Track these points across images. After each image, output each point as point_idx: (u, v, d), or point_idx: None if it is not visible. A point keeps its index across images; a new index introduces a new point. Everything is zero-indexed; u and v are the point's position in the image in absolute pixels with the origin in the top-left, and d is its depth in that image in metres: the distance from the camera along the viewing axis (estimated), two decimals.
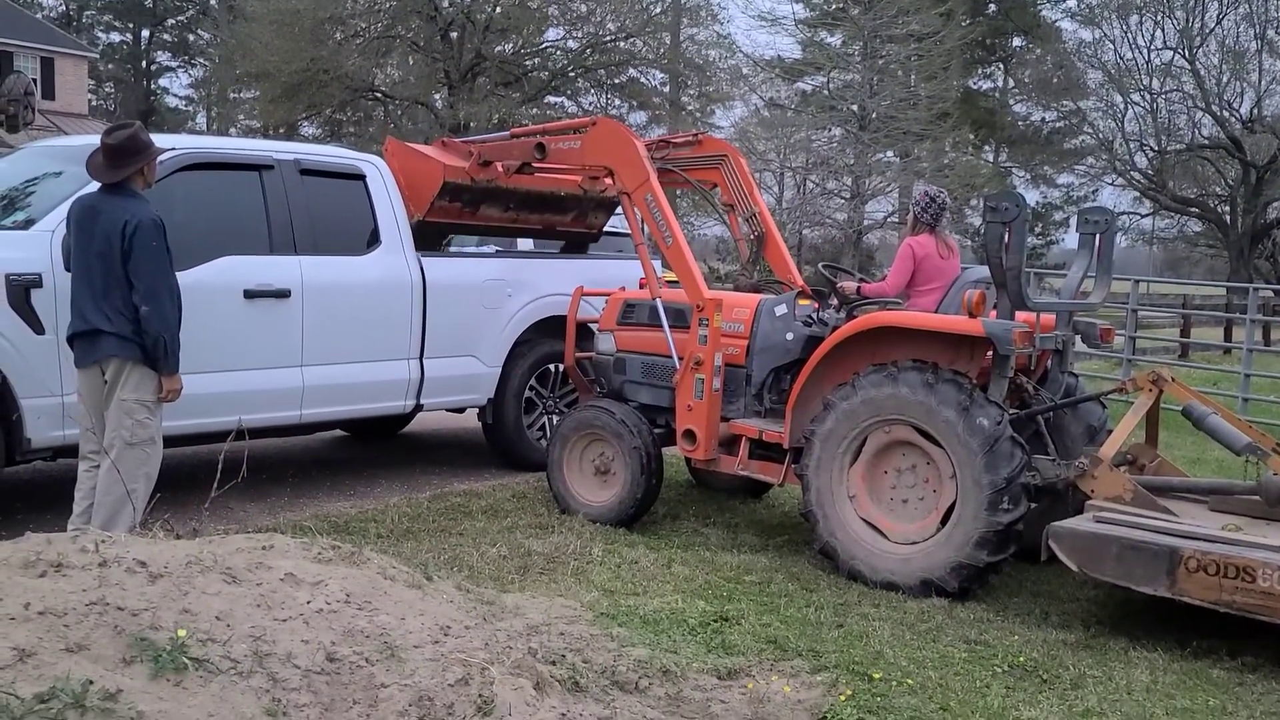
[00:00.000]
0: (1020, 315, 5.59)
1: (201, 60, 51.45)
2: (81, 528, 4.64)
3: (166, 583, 3.07)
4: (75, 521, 4.97)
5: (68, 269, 5.13)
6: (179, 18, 53.47)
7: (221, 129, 45.33)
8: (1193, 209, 40.75)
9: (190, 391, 5.22)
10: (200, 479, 4.66)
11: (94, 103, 44.14)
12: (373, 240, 7.01)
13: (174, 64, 54.73)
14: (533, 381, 7.92)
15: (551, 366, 7.98)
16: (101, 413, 4.99)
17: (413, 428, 8.98)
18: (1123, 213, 38.98)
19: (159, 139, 5.36)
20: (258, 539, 3.63)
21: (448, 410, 7.95)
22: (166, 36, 53.97)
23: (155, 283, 4.84)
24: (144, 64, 53.75)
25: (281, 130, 35.47)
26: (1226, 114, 36.89)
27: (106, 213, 4.86)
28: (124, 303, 4.84)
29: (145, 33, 53.30)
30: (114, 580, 3.02)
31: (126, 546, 3.28)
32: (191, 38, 52.69)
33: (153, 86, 54.37)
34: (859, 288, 6.29)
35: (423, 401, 7.29)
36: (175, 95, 55.81)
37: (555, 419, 7.91)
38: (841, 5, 31.86)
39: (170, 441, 5.41)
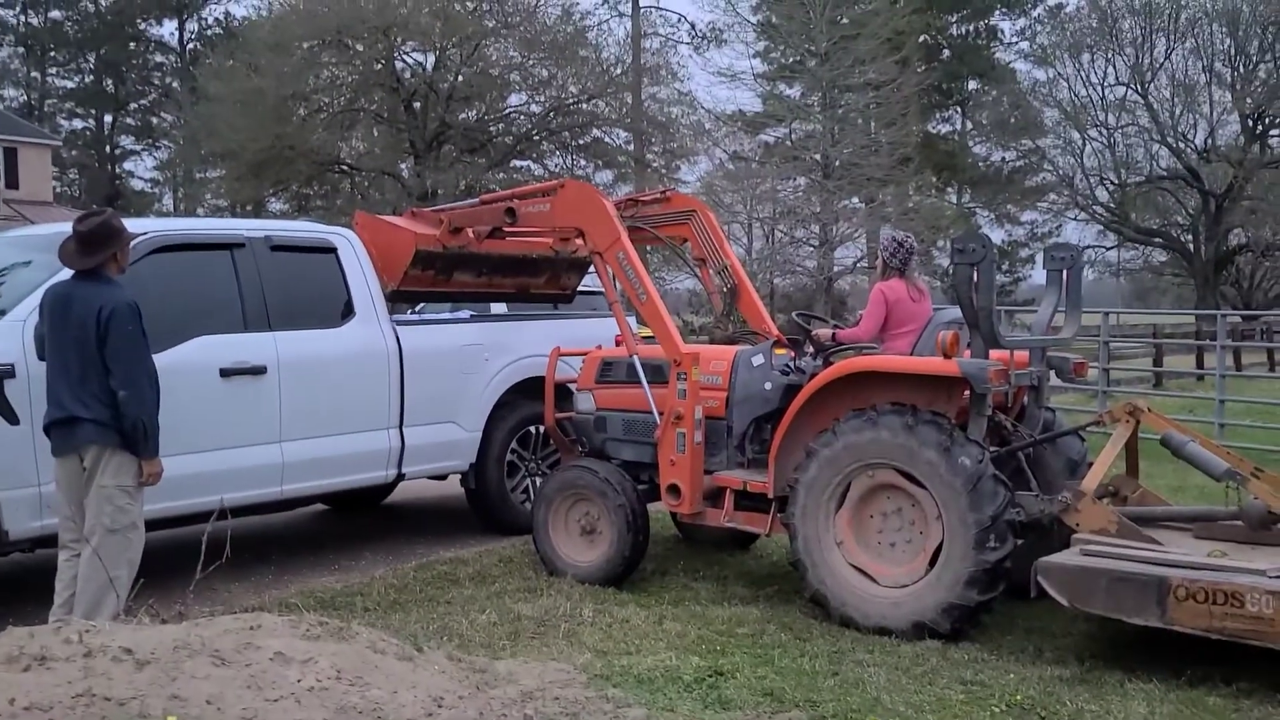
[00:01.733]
0: (994, 353, 5.64)
1: (166, 142, 51.63)
2: (64, 618, 4.60)
3: (154, 669, 3.03)
4: (57, 612, 4.89)
5: (41, 358, 5.10)
6: (141, 102, 53.70)
7: (189, 209, 45.37)
8: (1156, 239, 41.35)
9: (170, 473, 5.18)
10: (183, 561, 4.61)
11: (58, 189, 44.15)
12: (347, 312, 7.01)
13: (138, 147, 54.88)
14: (514, 444, 7.90)
15: (532, 428, 7.97)
16: (80, 501, 4.93)
17: (395, 497, 8.93)
18: (1088, 246, 39.56)
19: (129, 223, 5.36)
20: (245, 619, 3.60)
21: (430, 478, 7.91)
22: (130, 121, 54.15)
23: (133, 367, 4.83)
24: (108, 149, 53.84)
25: (249, 208, 35.55)
26: (1182, 145, 37.63)
27: (81, 300, 4.85)
28: (101, 389, 4.82)
29: (108, 118, 53.46)
30: (100, 670, 2.98)
31: (111, 635, 3.24)
32: (155, 120, 52.88)
33: (117, 170, 54.43)
34: (834, 334, 6.33)
35: (404, 470, 7.25)
36: (140, 178, 55.94)
37: (538, 481, 7.90)
38: (799, 58, 32.38)
39: (152, 525, 5.36)
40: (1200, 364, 19.99)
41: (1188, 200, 39.77)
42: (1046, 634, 5.54)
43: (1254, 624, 4.50)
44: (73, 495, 4.96)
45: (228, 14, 51.69)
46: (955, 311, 5.93)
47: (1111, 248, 43.50)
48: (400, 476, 7.30)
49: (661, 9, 47.37)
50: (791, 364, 6.51)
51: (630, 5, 39.70)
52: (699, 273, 7.76)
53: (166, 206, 52.33)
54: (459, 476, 7.82)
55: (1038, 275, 42.81)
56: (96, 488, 4.88)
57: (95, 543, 4.83)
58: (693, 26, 43.98)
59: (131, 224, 5.43)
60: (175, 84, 49.78)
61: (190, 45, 52.30)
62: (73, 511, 4.97)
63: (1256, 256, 38.67)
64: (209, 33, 51.64)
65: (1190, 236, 39.85)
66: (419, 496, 9.36)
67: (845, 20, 30.22)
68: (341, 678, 3.23)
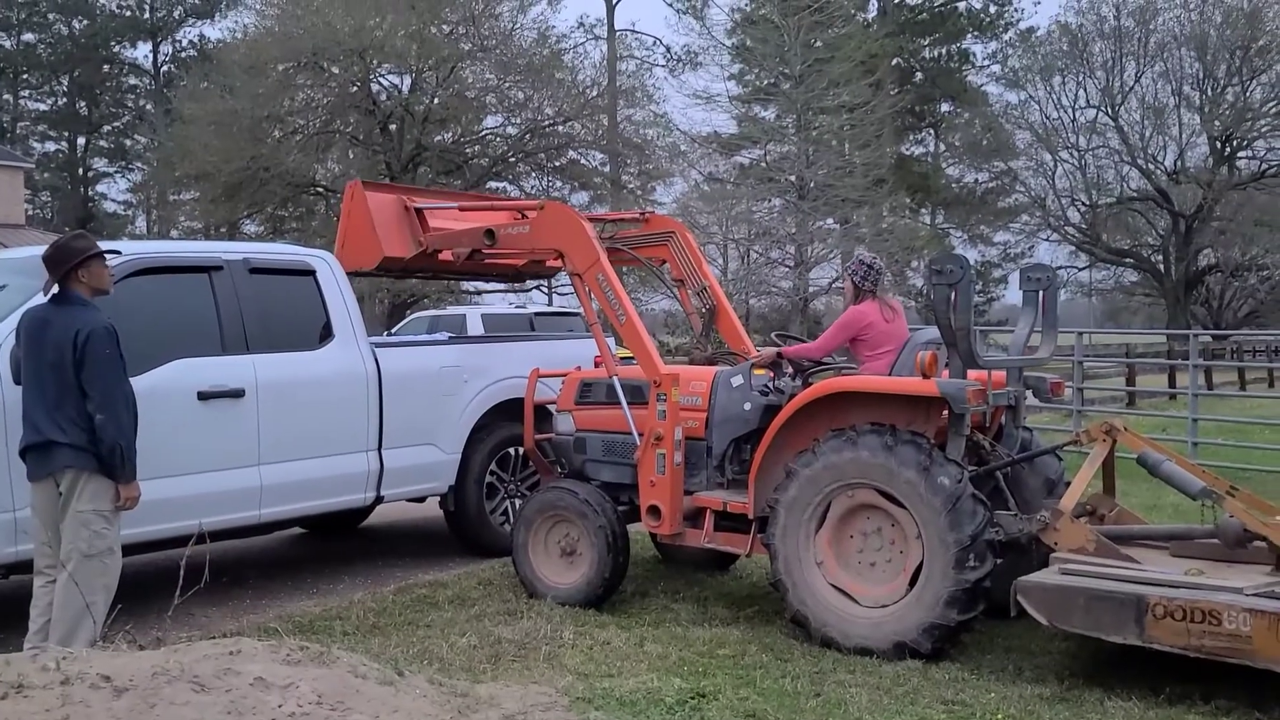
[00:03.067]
0: (972, 373, 5.68)
1: (139, 164, 51.27)
2: (40, 645, 4.55)
3: (133, 696, 3.00)
4: (33, 639, 4.84)
5: (17, 382, 5.07)
6: (115, 124, 53.38)
7: (162, 231, 45.07)
8: (1127, 259, 41.77)
9: (148, 497, 5.14)
10: (160, 586, 4.57)
11: (31, 212, 43.75)
12: (325, 334, 7.00)
13: (111, 169, 54.42)
14: (493, 466, 7.89)
15: (511, 450, 7.96)
16: (57, 526, 4.88)
17: (373, 520, 8.88)
18: (1060, 267, 39.85)
19: (104, 245, 5.31)
20: (224, 644, 3.57)
21: (409, 500, 7.88)
22: (103, 143, 53.77)
23: (110, 391, 4.80)
24: (81, 171, 53.46)
25: (223, 230, 35.38)
26: (1152, 167, 38.08)
27: (57, 323, 4.82)
28: (78, 413, 4.78)
29: (81, 140, 53.11)
30: (78, 698, 2.95)
31: (89, 661, 3.21)
32: (128, 143, 52.54)
33: (90, 193, 54.03)
34: (779, 352, 6.37)
35: (383, 493, 7.22)
36: (114, 200, 55.46)
37: (518, 503, 7.87)
38: (773, 81, 32.58)
39: (129, 549, 5.30)
40: (1172, 383, 20.18)
41: (1158, 221, 40.21)
42: (1026, 653, 5.56)
43: (1231, 642, 4.53)
44: (49, 520, 4.92)
45: (202, 36, 51.38)
46: (933, 331, 5.96)
47: (1083, 268, 43.90)
48: (379, 499, 7.27)
49: (637, 32, 47.48)
50: (770, 384, 6.52)
51: (606, 28, 39.93)
52: (678, 294, 7.77)
53: (140, 229, 51.90)
54: (438, 499, 7.79)
55: (1011, 295, 43.19)
56: (73, 513, 4.83)
57: (71, 568, 4.78)
58: (668, 49, 44.14)
59: (107, 247, 5.39)
60: (149, 106, 49.47)
61: (164, 68, 52.09)
62: (49, 537, 4.92)
63: (1226, 276, 39.10)
64: (183, 55, 51.39)
65: (1161, 257, 40.27)
66: (398, 519, 9.31)
67: (819, 43, 30.42)
68: (323, 703, 3.20)
